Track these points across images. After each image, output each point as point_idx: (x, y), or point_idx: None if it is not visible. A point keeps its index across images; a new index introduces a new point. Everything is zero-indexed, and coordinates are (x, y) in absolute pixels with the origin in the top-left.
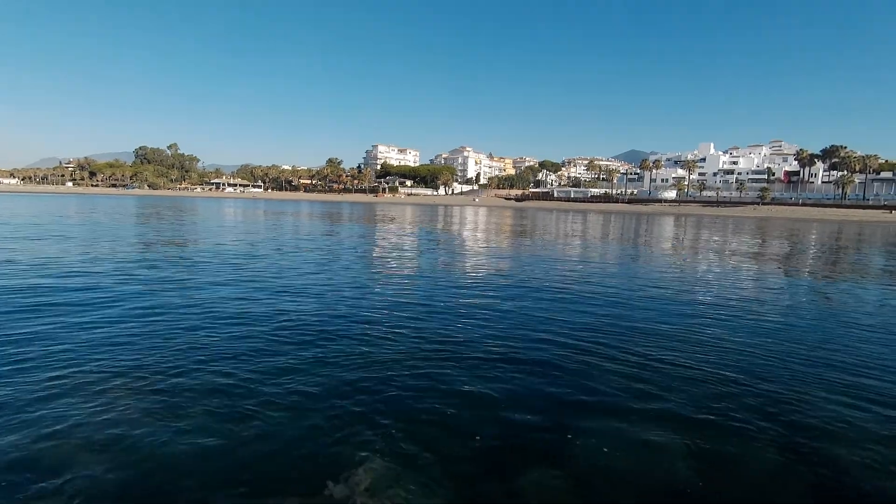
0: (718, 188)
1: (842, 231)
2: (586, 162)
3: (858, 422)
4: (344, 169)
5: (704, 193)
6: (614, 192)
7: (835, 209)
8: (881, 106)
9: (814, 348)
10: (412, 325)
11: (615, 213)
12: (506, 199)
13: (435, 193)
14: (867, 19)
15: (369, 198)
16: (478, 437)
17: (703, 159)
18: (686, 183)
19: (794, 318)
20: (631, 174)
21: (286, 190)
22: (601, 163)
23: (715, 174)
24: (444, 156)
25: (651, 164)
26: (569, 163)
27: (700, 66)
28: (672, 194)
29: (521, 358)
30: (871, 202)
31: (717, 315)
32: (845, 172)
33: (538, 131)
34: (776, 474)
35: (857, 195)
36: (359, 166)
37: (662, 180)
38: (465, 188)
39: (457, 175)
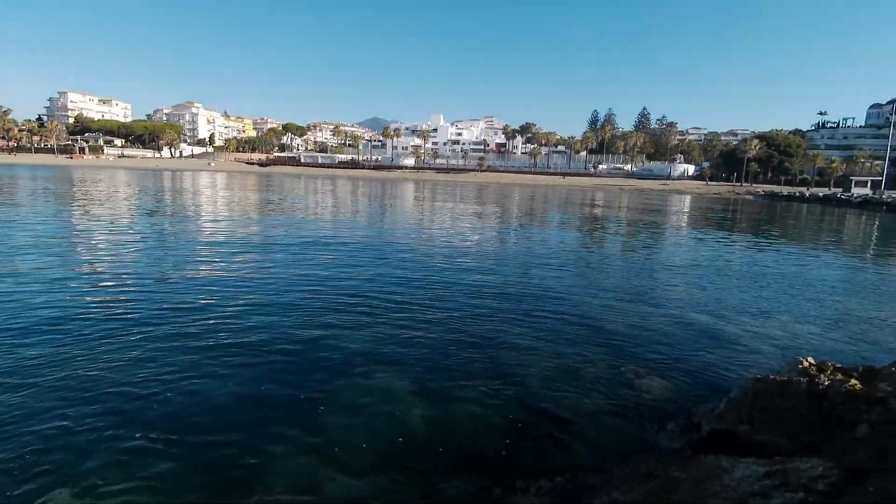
0: (448, 156)
1: (534, 192)
2: (332, 127)
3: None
4: (15, 121)
5: (437, 161)
6: (360, 158)
7: (530, 175)
8: (555, 94)
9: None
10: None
11: (363, 179)
12: (248, 163)
13: (158, 156)
14: (529, 34)
15: (60, 160)
16: (222, 425)
17: (435, 130)
18: (422, 151)
19: (502, 267)
20: (375, 141)
21: None
22: (347, 129)
23: (445, 144)
24: (165, 111)
25: (392, 133)
26: (314, 127)
27: (434, 42)
28: (411, 161)
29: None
30: (552, 170)
31: (445, 272)
32: (535, 145)
33: (281, 92)
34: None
35: (543, 164)
36: (39, 118)
37: (403, 148)
38: (198, 150)
39: (185, 135)
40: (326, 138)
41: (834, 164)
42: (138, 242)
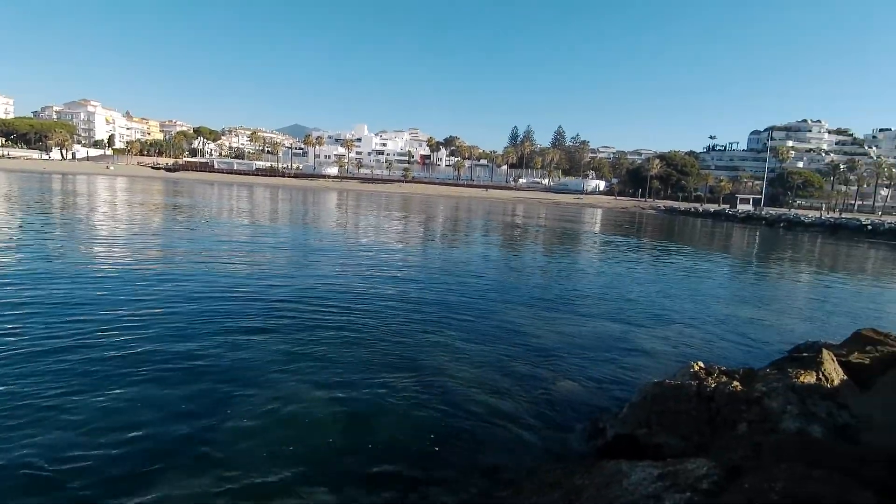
0: (372, 166)
1: (458, 203)
2: (249, 132)
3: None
4: None
5: (361, 171)
6: (280, 165)
7: (454, 187)
8: (479, 108)
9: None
10: None
11: (283, 187)
12: (154, 168)
13: (46, 157)
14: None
15: None
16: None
17: (360, 139)
18: (346, 160)
19: (421, 279)
20: (296, 149)
21: None
22: (265, 135)
23: (369, 154)
24: (56, 109)
25: (314, 141)
26: (230, 132)
27: (360, 51)
28: (334, 170)
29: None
30: (475, 182)
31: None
32: (459, 158)
33: (192, 94)
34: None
35: (467, 177)
36: None
37: (326, 156)
38: (94, 153)
39: (79, 135)
40: (243, 144)
41: (722, 183)
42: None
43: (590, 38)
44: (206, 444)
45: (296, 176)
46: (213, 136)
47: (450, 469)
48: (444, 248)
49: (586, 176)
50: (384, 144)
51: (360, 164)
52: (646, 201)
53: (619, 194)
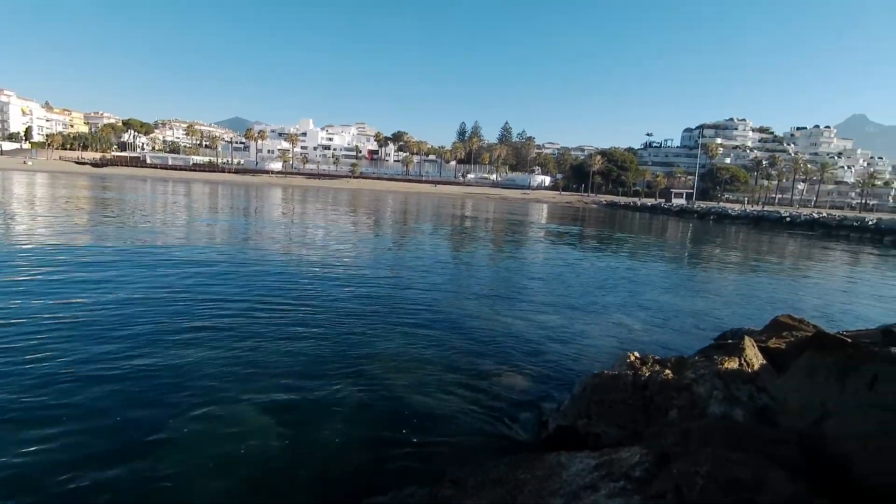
0: (319, 162)
1: (407, 199)
2: (185, 126)
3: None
4: None
5: (307, 166)
6: (220, 160)
7: (403, 183)
8: (427, 104)
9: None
10: None
11: (223, 183)
12: (78, 162)
13: None
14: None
15: None
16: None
17: (305, 134)
18: (291, 155)
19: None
20: (237, 143)
21: None
22: (203, 128)
23: (315, 149)
24: None
25: (256, 135)
26: (164, 125)
27: (304, 43)
28: (278, 166)
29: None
30: (424, 178)
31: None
32: (408, 154)
33: (121, 85)
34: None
35: (416, 172)
36: None
37: (269, 151)
38: (9, 146)
39: None
40: (179, 138)
41: (658, 178)
42: None
43: (532, 36)
44: (136, 459)
45: (237, 171)
46: (145, 129)
47: (393, 471)
48: (393, 244)
49: (532, 171)
50: (330, 139)
51: (305, 160)
52: (588, 196)
53: (564, 189)
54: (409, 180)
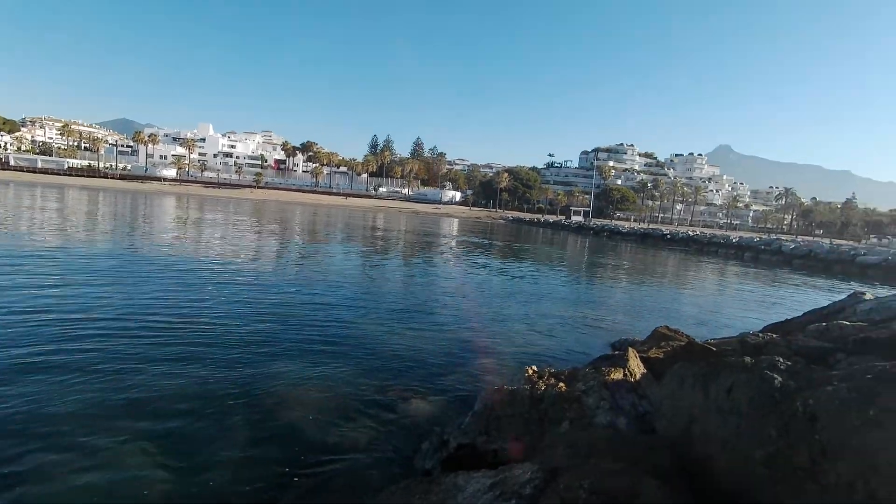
0: (219, 170)
1: (317, 212)
2: (60, 125)
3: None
4: None
5: (206, 174)
6: (102, 165)
7: (312, 194)
8: (338, 115)
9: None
10: None
11: (105, 190)
12: None
13: None
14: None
15: None
16: None
17: (203, 139)
18: (187, 162)
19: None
20: (123, 146)
21: None
22: (82, 128)
23: (215, 156)
24: None
25: (147, 138)
26: (33, 123)
27: (197, 41)
28: (172, 173)
29: None
30: (334, 190)
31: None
32: (317, 165)
33: None
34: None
35: (326, 184)
36: None
37: (161, 157)
38: None
39: None
40: (52, 138)
41: (560, 197)
42: None
43: (444, 53)
44: None
45: (123, 177)
46: (10, 126)
47: None
48: (299, 257)
49: (444, 187)
50: (233, 146)
51: (203, 167)
52: (497, 212)
53: (473, 205)
54: (319, 192)
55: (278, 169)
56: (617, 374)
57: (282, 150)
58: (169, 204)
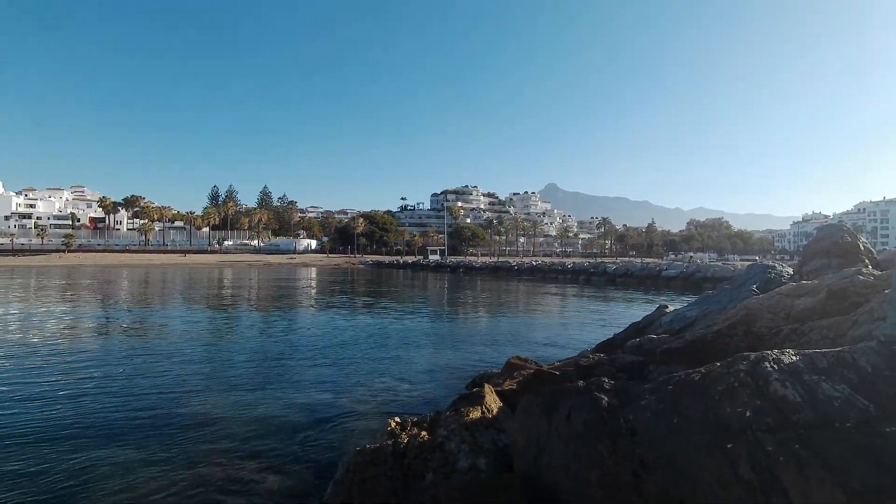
0: (14, 234)
1: (149, 274)
2: None
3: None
4: None
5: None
6: None
7: (141, 254)
8: (169, 165)
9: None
10: None
11: None
12: None
13: None
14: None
15: None
16: None
17: None
18: None
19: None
20: None
21: None
22: None
23: (8, 218)
24: None
25: None
26: None
27: None
28: None
29: None
30: (170, 248)
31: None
32: (146, 220)
33: None
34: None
35: (158, 241)
36: None
37: None
38: None
39: None
40: None
41: (416, 238)
42: None
43: (284, 94)
44: None
45: None
46: None
47: None
48: (122, 326)
49: (297, 235)
50: (32, 206)
51: None
52: (355, 257)
53: (331, 252)
54: (151, 251)
55: (95, 228)
56: (475, 413)
57: (99, 206)
58: None
